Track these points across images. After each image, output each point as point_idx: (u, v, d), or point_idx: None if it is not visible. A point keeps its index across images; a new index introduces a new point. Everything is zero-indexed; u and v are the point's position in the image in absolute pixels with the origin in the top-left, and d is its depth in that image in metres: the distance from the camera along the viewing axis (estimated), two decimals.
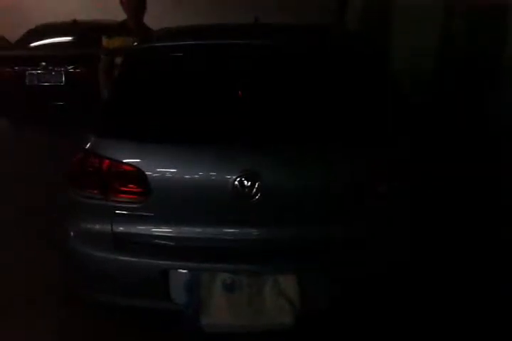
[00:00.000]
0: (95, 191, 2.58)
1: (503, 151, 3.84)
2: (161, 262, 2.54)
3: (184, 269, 2.51)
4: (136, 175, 2.54)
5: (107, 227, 2.58)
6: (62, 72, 6.87)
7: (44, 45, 7.52)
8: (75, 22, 7.68)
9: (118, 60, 4.40)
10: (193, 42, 2.97)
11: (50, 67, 6.88)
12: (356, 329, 2.83)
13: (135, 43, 3.19)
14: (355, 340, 2.83)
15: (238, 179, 2.46)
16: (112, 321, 2.92)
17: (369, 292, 2.58)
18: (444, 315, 2.94)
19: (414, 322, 2.87)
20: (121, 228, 2.58)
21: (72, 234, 2.68)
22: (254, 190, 2.46)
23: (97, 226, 2.61)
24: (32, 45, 7.51)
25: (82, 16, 7.86)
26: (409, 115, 2.70)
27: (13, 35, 7.91)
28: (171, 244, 2.57)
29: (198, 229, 2.55)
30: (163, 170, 2.57)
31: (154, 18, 4.81)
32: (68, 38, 7.55)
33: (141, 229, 2.57)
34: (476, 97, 4.37)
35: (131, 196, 2.56)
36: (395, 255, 2.57)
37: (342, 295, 2.52)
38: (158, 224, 2.57)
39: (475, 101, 4.34)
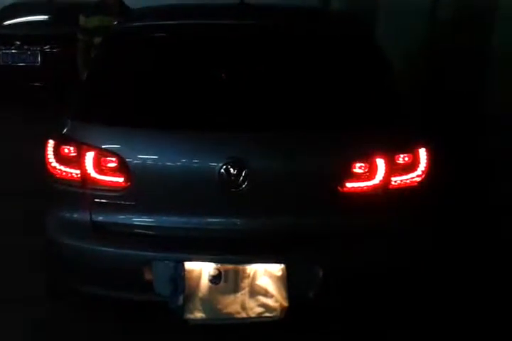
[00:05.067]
0: (73, 178, 2.46)
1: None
2: (143, 253, 2.44)
3: (168, 260, 2.42)
4: (116, 162, 2.43)
5: (86, 216, 2.47)
6: (38, 52, 6.64)
7: (18, 23, 7.29)
8: (50, 0, 7.42)
9: (96, 40, 4.25)
10: (176, 23, 2.83)
11: (26, 47, 6.64)
12: (345, 319, 2.79)
13: (115, 23, 3.04)
14: (345, 330, 2.76)
15: (224, 166, 2.36)
16: (97, 313, 2.82)
17: (360, 283, 2.51)
18: (437, 310, 2.89)
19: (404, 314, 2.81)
20: (100, 217, 2.47)
21: (50, 223, 2.56)
22: (241, 178, 2.37)
23: (76, 215, 2.50)
24: (5, 23, 7.26)
25: None
26: (401, 100, 2.60)
27: None
28: (154, 233, 2.47)
29: (183, 219, 2.45)
30: (144, 156, 2.46)
31: None
32: (44, 17, 7.32)
33: (122, 218, 2.47)
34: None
35: (110, 184, 2.45)
36: (389, 246, 2.50)
37: (332, 285, 2.44)
38: (140, 213, 2.47)
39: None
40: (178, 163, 2.44)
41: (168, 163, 2.44)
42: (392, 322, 2.81)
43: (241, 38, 2.69)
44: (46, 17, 7.28)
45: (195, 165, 2.43)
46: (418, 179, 2.49)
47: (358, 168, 2.43)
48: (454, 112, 4.11)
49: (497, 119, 3.78)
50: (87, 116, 2.56)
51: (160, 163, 2.45)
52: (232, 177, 2.36)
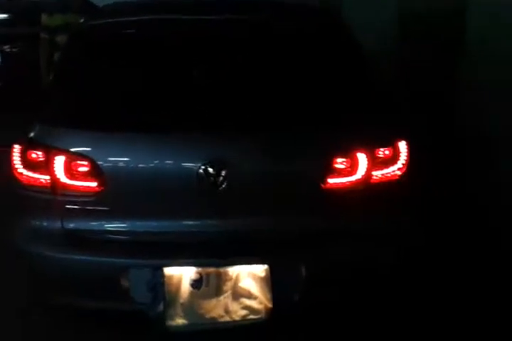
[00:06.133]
0: (42, 184, 2.35)
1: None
2: (119, 260, 2.34)
3: (146, 267, 2.33)
4: (88, 166, 2.32)
5: (57, 224, 2.36)
6: None
7: None
8: None
9: (60, 38, 4.10)
10: (147, 18, 2.72)
11: None
12: (331, 318, 2.73)
13: (81, 20, 2.91)
14: (330, 332, 2.71)
15: (203, 167, 2.28)
16: (76, 323, 2.70)
17: (345, 281, 2.46)
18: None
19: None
20: (73, 224, 2.37)
21: (19, 232, 2.44)
22: (221, 178, 2.29)
23: (46, 223, 2.39)
24: None
25: None
26: (380, 93, 2.54)
27: None
28: (130, 239, 2.38)
29: (160, 223, 2.36)
30: (118, 159, 2.36)
31: None
32: (4, 16, 7.08)
33: (96, 224, 2.37)
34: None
35: (82, 189, 2.34)
36: (375, 247, 2.44)
37: (317, 284, 2.38)
38: (114, 219, 2.37)
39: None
40: (154, 165, 2.34)
41: (144, 166, 2.35)
42: (380, 317, 2.76)
43: (216, 35, 2.59)
44: (6, 16, 7.06)
45: (172, 166, 2.34)
46: (399, 172, 2.45)
47: (340, 163, 2.38)
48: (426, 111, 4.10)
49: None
50: (56, 119, 2.43)
51: (134, 166, 2.35)
52: (212, 178, 2.28)
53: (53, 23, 4.25)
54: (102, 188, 2.32)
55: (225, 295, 2.33)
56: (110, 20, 2.80)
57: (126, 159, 2.36)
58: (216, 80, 2.49)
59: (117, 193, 2.33)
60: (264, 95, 2.45)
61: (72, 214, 2.36)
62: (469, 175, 3.59)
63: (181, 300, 2.31)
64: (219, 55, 2.53)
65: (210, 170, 2.28)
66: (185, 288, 2.31)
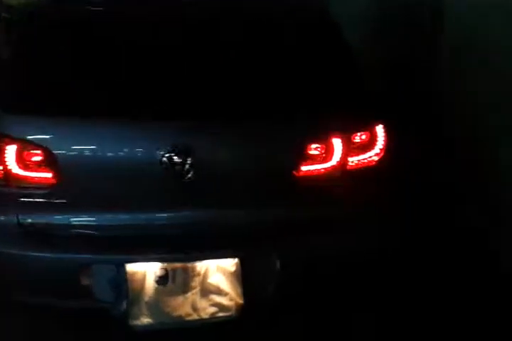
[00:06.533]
0: None
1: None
2: (79, 256, 2.20)
3: (107, 263, 2.19)
4: (42, 155, 2.15)
5: (13, 218, 2.20)
6: None
7: None
8: None
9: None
10: None
11: None
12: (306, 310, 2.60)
13: None
14: (304, 328, 2.59)
15: (167, 155, 2.12)
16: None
17: (320, 273, 2.34)
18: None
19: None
20: (29, 219, 2.21)
21: None
22: (187, 167, 2.13)
23: (0, 218, 2.22)
24: None
25: None
26: (357, 77, 2.38)
27: None
28: (91, 234, 2.22)
29: (123, 216, 2.21)
30: (76, 147, 2.19)
31: None
32: None
33: (54, 218, 2.22)
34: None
35: (37, 180, 2.18)
36: (353, 237, 2.32)
37: (291, 277, 2.26)
38: (73, 212, 2.21)
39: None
40: (115, 154, 2.19)
41: (104, 154, 2.19)
42: (357, 307, 2.65)
43: (182, 17, 2.43)
44: None
45: (133, 155, 2.19)
46: (376, 158, 2.32)
47: (314, 149, 2.24)
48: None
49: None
50: (7, 105, 2.26)
51: (93, 155, 2.19)
52: (177, 167, 2.13)
53: (14, 1, 4.04)
54: (58, 179, 2.16)
55: (193, 291, 2.21)
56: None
57: (84, 148, 2.19)
58: (185, 65, 2.30)
59: (75, 185, 2.17)
60: (234, 82, 2.28)
61: (28, 208, 2.21)
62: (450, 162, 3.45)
63: (146, 298, 2.18)
64: (189, 38, 2.35)
65: (175, 158, 2.12)
66: (150, 284, 2.18)
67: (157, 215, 2.21)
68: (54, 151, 2.15)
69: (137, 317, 2.17)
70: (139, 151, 2.17)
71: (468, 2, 3.28)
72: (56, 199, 2.19)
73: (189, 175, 2.14)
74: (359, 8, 4.61)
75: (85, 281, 2.20)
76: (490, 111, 3.08)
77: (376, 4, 4.46)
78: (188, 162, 2.12)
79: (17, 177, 2.17)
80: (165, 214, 2.22)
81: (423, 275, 2.89)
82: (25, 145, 2.16)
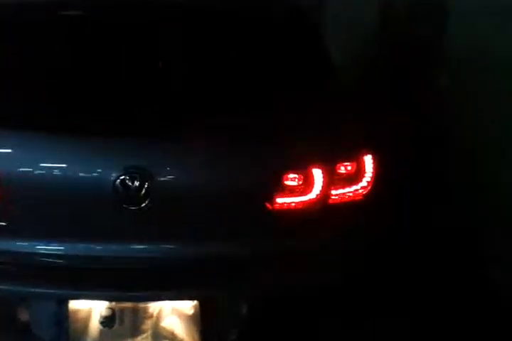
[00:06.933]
0: None
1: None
2: (17, 288, 1.94)
3: (47, 298, 1.93)
4: None
5: None
6: None
7: None
8: None
9: None
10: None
11: None
12: None
13: None
14: None
15: (121, 178, 1.86)
16: None
17: (294, 315, 2.09)
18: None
19: None
20: None
21: None
22: (142, 192, 1.87)
23: None
24: None
25: None
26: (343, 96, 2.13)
27: None
28: (31, 264, 1.96)
29: (67, 245, 1.95)
30: (19, 166, 1.93)
31: None
32: None
33: None
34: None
35: None
36: (326, 272, 2.06)
37: (257, 328, 1.99)
38: (13, 238, 1.95)
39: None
40: (62, 175, 1.93)
41: (51, 175, 1.93)
42: None
43: (155, 20, 2.20)
44: None
45: (84, 177, 1.92)
46: (363, 191, 2.04)
47: (291, 179, 1.97)
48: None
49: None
50: None
51: (39, 174, 1.93)
52: (131, 192, 1.87)
53: None
54: None
55: (144, 335, 1.94)
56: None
57: (29, 166, 1.93)
58: (145, 74, 2.07)
59: (15, 207, 1.92)
60: (204, 96, 2.03)
61: None
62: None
63: (89, 340, 1.91)
64: (152, 48, 2.12)
65: (129, 182, 1.86)
66: (95, 325, 1.92)
67: (106, 247, 1.94)
68: None
69: None
70: (89, 173, 1.91)
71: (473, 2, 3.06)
72: None
73: (145, 203, 1.88)
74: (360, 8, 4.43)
75: (24, 317, 1.95)
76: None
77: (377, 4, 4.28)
78: (144, 187, 1.87)
79: None
80: (115, 246, 1.94)
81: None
82: None
